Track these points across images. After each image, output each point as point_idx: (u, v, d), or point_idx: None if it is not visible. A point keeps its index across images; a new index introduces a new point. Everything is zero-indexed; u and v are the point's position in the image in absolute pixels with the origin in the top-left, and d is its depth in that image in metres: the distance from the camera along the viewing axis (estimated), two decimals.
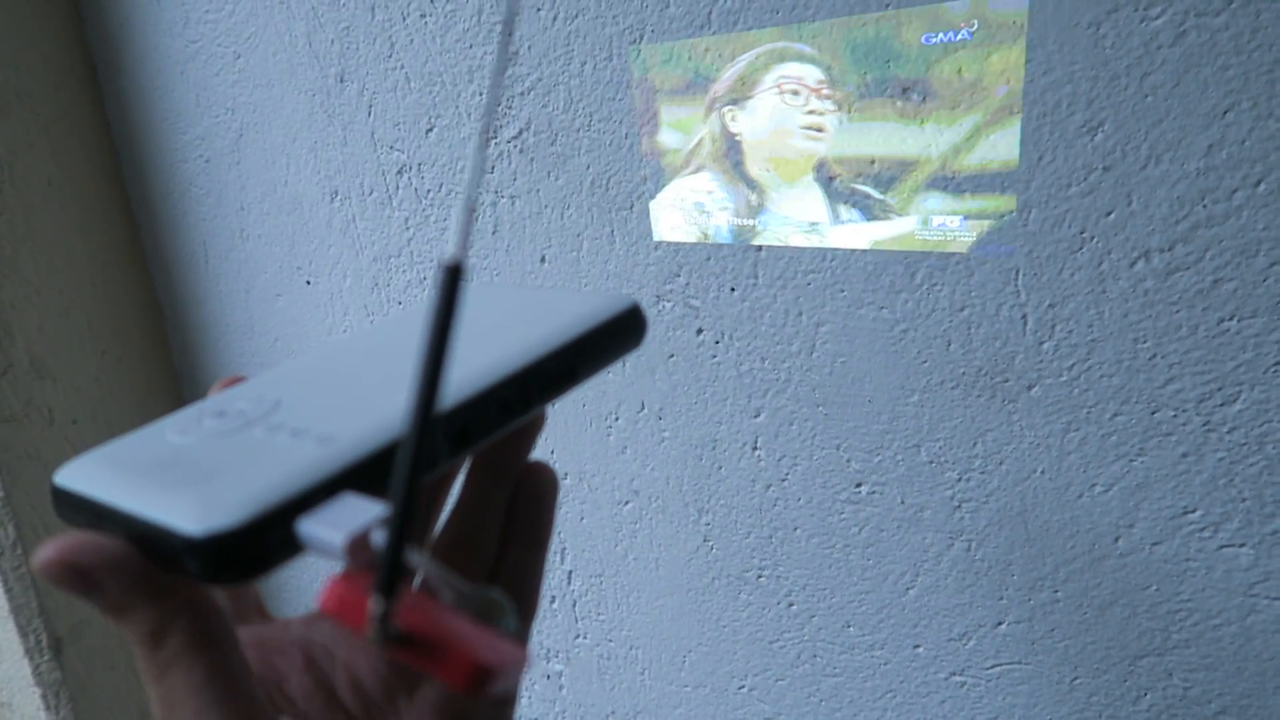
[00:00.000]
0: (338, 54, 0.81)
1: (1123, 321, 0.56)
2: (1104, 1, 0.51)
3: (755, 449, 0.72)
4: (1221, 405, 0.55)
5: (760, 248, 0.66)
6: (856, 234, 0.62)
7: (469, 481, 0.32)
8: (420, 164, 0.80)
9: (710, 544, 0.78)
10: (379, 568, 0.18)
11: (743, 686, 0.81)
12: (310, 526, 0.21)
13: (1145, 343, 0.56)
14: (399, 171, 0.82)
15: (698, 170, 0.67)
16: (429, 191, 0.81)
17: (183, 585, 0.22)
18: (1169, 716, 0.63)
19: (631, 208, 0.71)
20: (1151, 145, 0.53)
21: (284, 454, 0.23)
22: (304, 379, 0.30)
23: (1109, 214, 0.55)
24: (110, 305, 1.02)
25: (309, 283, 0.92)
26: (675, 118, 0.67)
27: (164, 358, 1.09)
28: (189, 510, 0.21)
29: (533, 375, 0.28)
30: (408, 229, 0.84)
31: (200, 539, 0.20)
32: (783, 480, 0.72)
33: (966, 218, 0.58)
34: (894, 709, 0.74)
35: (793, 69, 0.61)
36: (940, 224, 0.59)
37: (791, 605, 0.75)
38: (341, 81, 0.82)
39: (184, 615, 0.22)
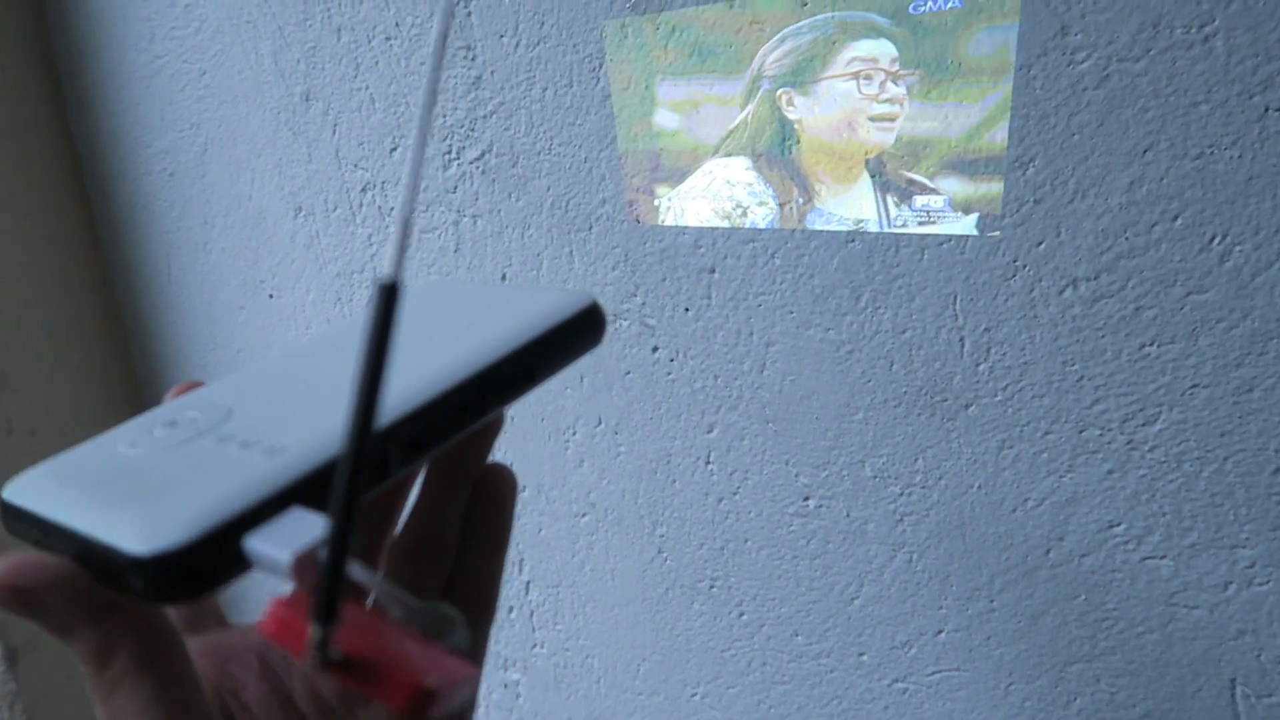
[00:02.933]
0: (303, 73, 0.82)
1: (1052, 345, 0.60)
2: (1033, 45, 0.54)
3: (708, 463, 0.75)
4: (1143, 425, 0.58)
5: (714, 270, 0.69)
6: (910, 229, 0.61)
7: (427, 485, 0.32)
8: (384, 182, 0.82)
9: (664, 555, 0.80)
10: (316, 591, 0.18)
11: (695, 694, 0.83)
12: (257, 544, 0.20)
13: (1073, 366, 0.59)
14: (363, 189, 0.83)
15: (729, 155, 0.65)
16: (392, 209, 0.82)
17: (129, 604, 0.22)
18: None
19: (590, 229, 0.73)
20: (1078, 180, 0.56)
21: (233, 467, 0.22)
22: (257, 386, 0.29)
23: (1040, 244, 0.58)
24: (72, 316, 1.02)
25: (272, 296, 0.93)
26: (673, 98, 0.66)
27: (125, 369, 1.09)
28: (134, 529, 0.20)
29: (489, 378, 0.28)
30: (371, 245, 0.85)
31: (145, 558, 0.19)
32: (734, 494, 0.74)
33: (950, 200, 0.61)
34: (840, 715, 0.76)
35: (866, 48, 0.58)
36: (924, 204, 0.60)
37: (742, 615, 0.78)
38: (307, 100, 0.83)
39: (130, 634, 0.22)
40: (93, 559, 0.21)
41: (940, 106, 0.58)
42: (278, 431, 0.24)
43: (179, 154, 0.94)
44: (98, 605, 0.21)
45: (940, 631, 0.70)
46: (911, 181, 0.60)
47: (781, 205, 0.64)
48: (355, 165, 0.83)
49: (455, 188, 0.78)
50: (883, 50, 0.59)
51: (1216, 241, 0.54)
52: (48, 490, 0.23)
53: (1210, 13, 0.50)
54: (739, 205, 0.66)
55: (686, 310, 0.71)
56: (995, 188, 0.58)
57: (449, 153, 0.77)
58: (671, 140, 0.67)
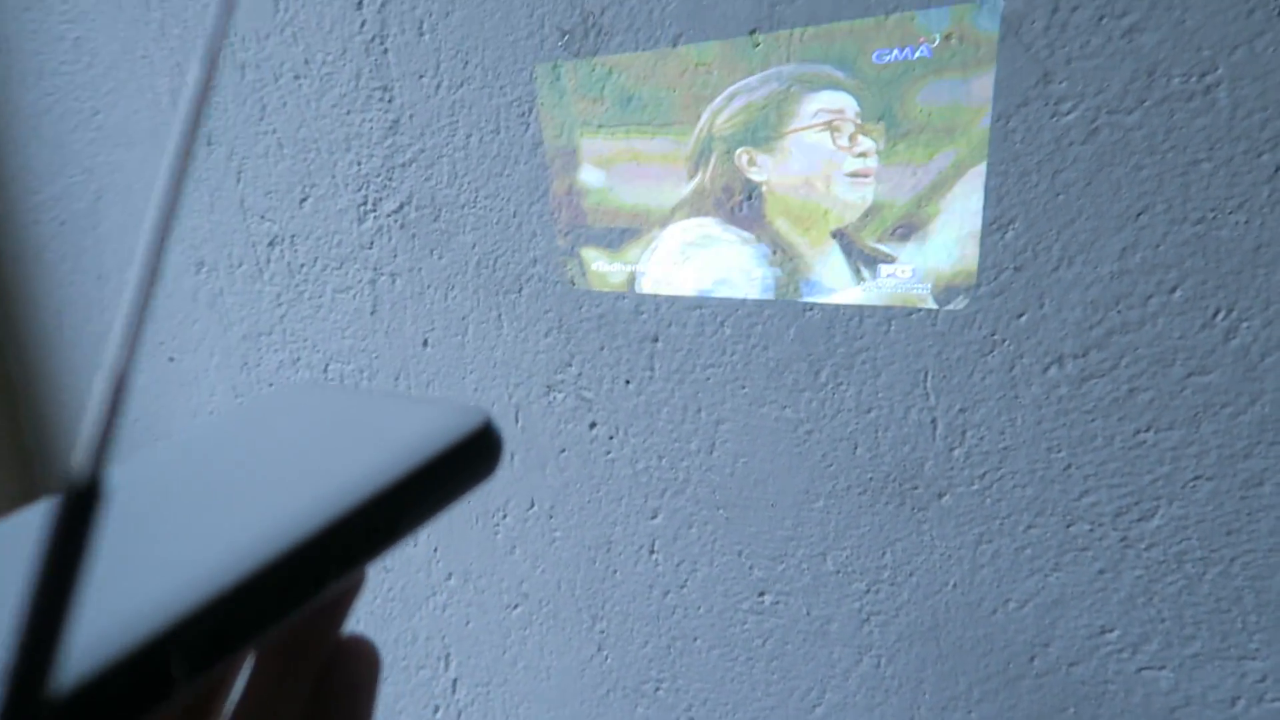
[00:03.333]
0: (205, 114, 0.74)
1: (1036, 429, 0.53)
2: (1013, 94, 0.48)
3: (652, 552, 0.67)
4: (1139, 520, 0.52)
5: (657, 339, 0.61)
6: (874, 293, 0.55)
7: (259, 669, 0.24)
8: (293, 235, 0.74)
9: (605, 653, 0.71)
10: None
11: None
12: None
13: (1059, 452, 0.53)
14: (270, 243, 0.75)
15: (693, 216, 0.58)
16: (303, 266, 0.74)
17: None
18: None
19: (520, 290, 0.65)
20: (1064, 246, 0.50)
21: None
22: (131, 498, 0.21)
23: (1020, 316, 0.52)
24: None
25: (172, 359, 0.84)
26: (599, 155, 0.60)
27: (14, 435, 0.99)
28: None
29: (332, 542, 0.20)
30: (280, 305, 0.76)
31: None
32: (682, 587, 0.66)
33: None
34: None
35: (829, 99, 0.53)
36: (890, 274, 0.53)
37: None
38: (209, 144, 0.75)
39: None
40: None
41: (906, 166, 0.52)
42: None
43: (71, 201, 0.85)
44: None
45: None
46: (875, 249, 0.54)
47: (776, 274, 0.57)
48: (262, 216, 0.74)
49: (372, 243, 0.70)
50: (845, 102, 0.52)
51: (1220, 316, 0.47)
52: None
53: (1212, 60, 0.44)
54: (727, 272, 0.58)
55: (627, 383, 0.64)
56: (971, 259, 0.52)
57: (365, 204, 0.69)
58: (600, 198, 0.60)
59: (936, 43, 0.49)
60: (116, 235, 0.83)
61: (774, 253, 0.56)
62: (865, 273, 0.54)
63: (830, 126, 0.53)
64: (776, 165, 0.55)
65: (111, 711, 0.17)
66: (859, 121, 0.52)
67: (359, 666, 0.25)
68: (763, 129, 0.55)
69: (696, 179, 0.57)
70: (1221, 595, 0.51)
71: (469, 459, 0.23)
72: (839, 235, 0.55)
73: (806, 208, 0.55)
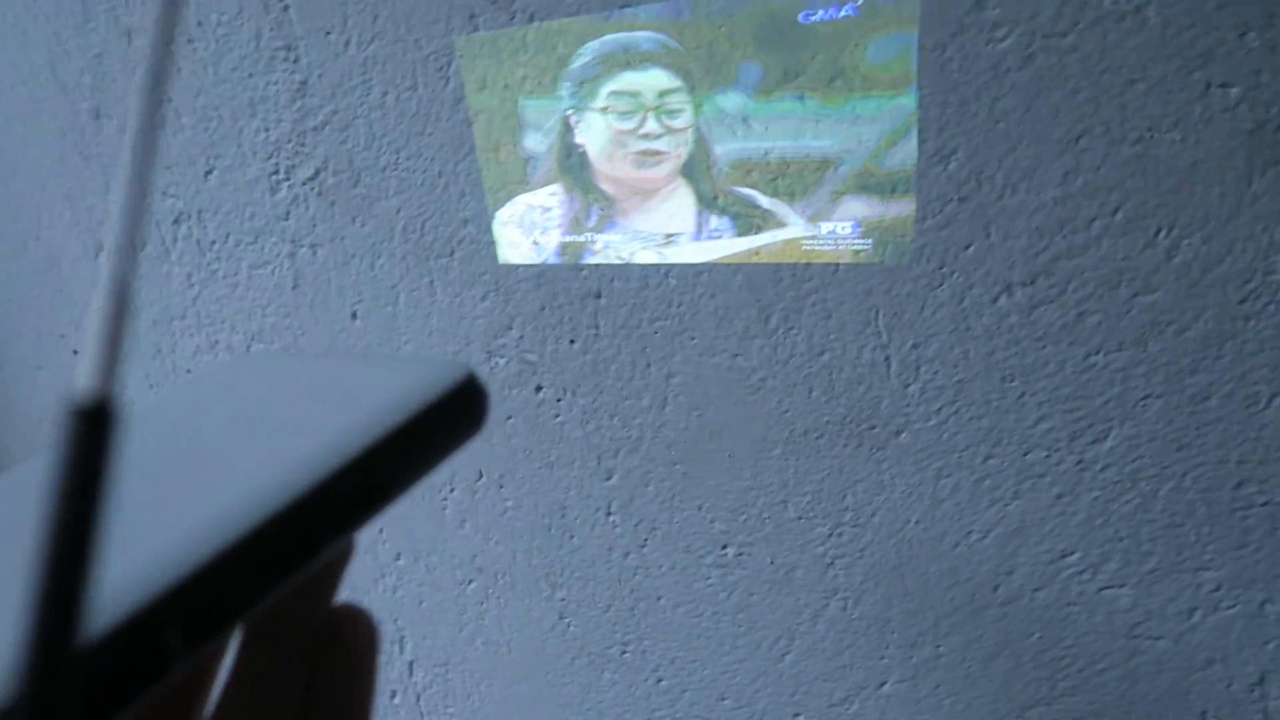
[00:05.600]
0: (90, 86, 0.68)
1: (989, 360, 0.53)
2: (947, 23, 0.47)
3: (609, 514, 0.65)
4: (1093, 443, 0.52)
5: (600, 295, 0.59)
6: (725, 246, 0.55)
7: (246, 649, 0.22)
8: (200, 211, 0.69)
9: (567, 621, 0.70)
10: None
11: None
12: None
13: (1013, 381, 0.53)
14: (175, 220, 0.70)
15: (549, 182, 0.58)
16: (213, 243, 0.69)
17: None
18: None
19: (452, 254, 0.62)
20: (1006, 174, 0.49)
21: None
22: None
23: (968, 247, 0.51)
24: None
25: (76, 352, 0.79)
26: (533, 120, 0.58)
27: None
28: None
29: (329, 498, 0.19)
30: (191, 285, 0.72)
31: None
32: (642, 546, 0.65)
33: (859, 223, 0.53)
34: None
35: (630, 81, 0.54)
36: (830, 231, 0.53)
37: (660, 681, 0.69)
38: (97, 118, 0.69)
39: None
40: None
41: (838, 122, 0.51)
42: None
43: None
44: None
45: (883, 684, 0.62)
46: (818, 205, 0.53)
47: (574, 224, 0.58)
48: (164, 193, 0.69)
49: (288, 213, 0.66)
50: (649, 82, 0.52)
51: (1162, 235, 0.48)
52: None
53: None
54: (538, 230, 0.58)
55: (572, 342, 0.62)
56: (907, 208, 0.51)
57: (276, 173, 0.65)
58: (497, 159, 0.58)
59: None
60: (2, 224, 0.77)
61: (607, 209, 0.55)
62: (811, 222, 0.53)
63: (609, 110, 0.55)
64: (586, 133, 0.56)
65: (105, 690, 0.15)
66: (657, 104, 0.53)
67: (356, 637, 0.23)
68: (580, 97, 0.56)
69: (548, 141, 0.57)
70: (1175, 510, 0.52)
71: (456, 413, 0.22)
72: (693, 180, 0.53)
73: (621, 178, 0.57)
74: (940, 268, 0.52)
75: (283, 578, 0.18)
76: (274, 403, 0.23)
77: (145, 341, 0.75)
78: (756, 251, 0.55)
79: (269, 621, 0.22)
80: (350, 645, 0.23)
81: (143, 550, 0.17)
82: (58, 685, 0.11)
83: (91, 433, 0.11)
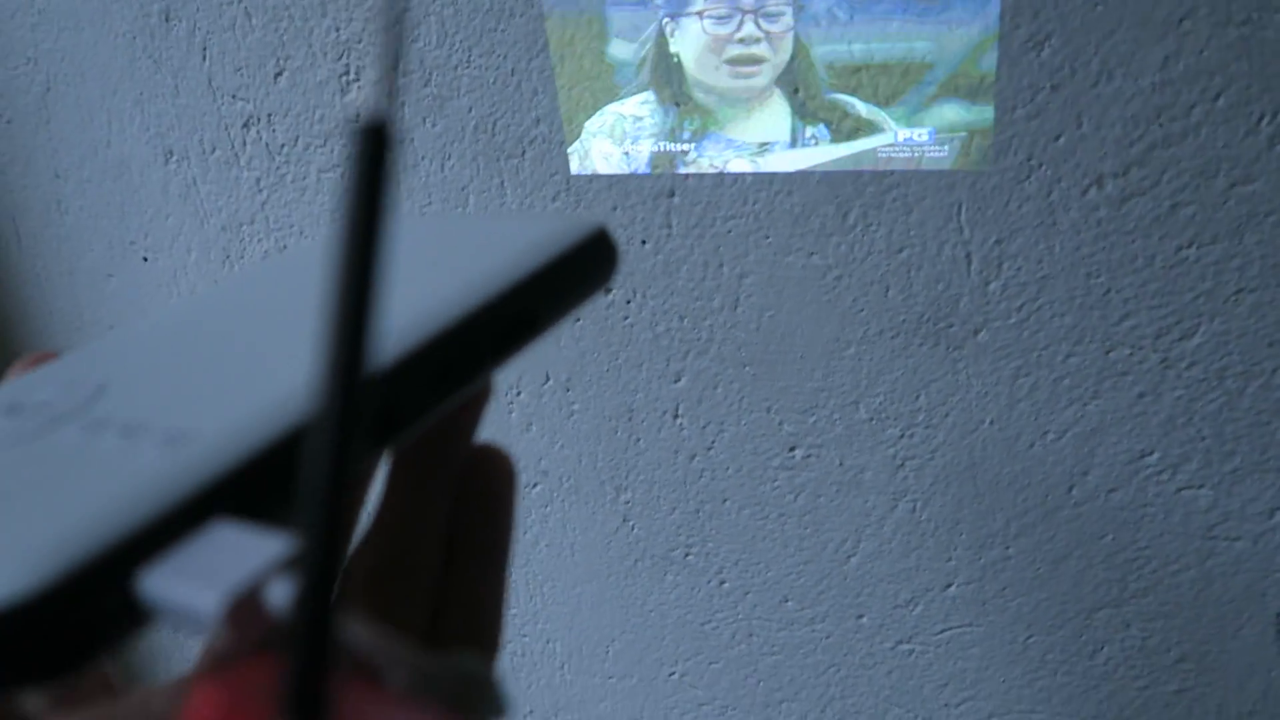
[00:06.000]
0: None
1: (1074, 255, 0.52)
2: None
3: (677, 417, 0.66)
4: (1180, 340, 0.51)
5: (673, 194, 0.59)
6: (820, 154, 0.55)
7: (393, 484, 0.23)
8: (270, 114, 0.69)
9: (631, 523, 0.71)
10: (292, 662, 0.11)
11: (673, 673, 0.75)
12: (161, 582, 0.13)
13: (1099, 277, 0.52)
14: (245, 124, 0.70)
15: (640, 91, 0.57)
16: (283, 146, 0.70)
17: None
18: (1127, 668, 0.60)
19: (523, 154, 0.62)
20: (1103, 60, 0.48)
21: (111, 465, 0.15)
22: (137, 355, 0.21)
23: (1058, 138, 0.50)
24: None
25: (146, 259, 0.80)
26: (622, 27, 0.57)
27: None
28: None
29: (482, 325, 0.20)
30: (260, 191, 0.72)
31: None
32: (708, 449, 0.66)
33: (936, 130, 0.52)
34: (838, 683, 0.69)
35: None
36: (924, 135, 0.52)
37: (723, 583, 0.70)
38: (167, 20, 0.69)
39: None
40: None
41: (937, 24, 0.50)
42: (176, 411, 0.17)
43: (16, 96, 0.79)
44: None
45: (949, 585, 0.63)
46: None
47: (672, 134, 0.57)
48: (233, 96, 0.70)
49: (358, 115, 0.66)
50: None
51: (1265, 122, 0.46)
52: None
53: None
54: (629, 140, 0.57)
55: (643, 243, 0.61)
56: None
57: (347, 74, 0.65)
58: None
59: None
60: (72, 130, 0.77)
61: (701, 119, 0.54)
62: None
63: (704, 15, 0.53)
64: (683, 41, 0.55)
65: (381, 426, 0.17)
66: (755, 7, 0.52)
67: (497, 475, 0.24)
68: (676, 4, 0.54)
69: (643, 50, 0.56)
70: (1262, 408, 0.51)
71: (591, 260, 0.24)
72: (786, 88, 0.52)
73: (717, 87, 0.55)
74: (1028, 159, 0.51)
75: (444, 396, 0.20)
76: (429, 249, 0.24)
77: (214, 246, 0.76)
78: (853, 159, 0.54)
79: (414, 459, 0.23)
80: (491, 485, 0.24)
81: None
82: (353, 407, 0.11)
83: (376, 150, 0.12)
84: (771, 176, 0.56)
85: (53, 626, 0.13)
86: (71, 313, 0.86)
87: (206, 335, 0.21)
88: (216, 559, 0.13)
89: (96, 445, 0.16)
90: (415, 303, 0.19)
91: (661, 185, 0.59)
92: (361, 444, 0.16)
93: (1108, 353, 0.53)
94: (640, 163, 0.58)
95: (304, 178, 0.70)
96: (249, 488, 0.15)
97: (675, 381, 0.65)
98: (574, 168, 0.60)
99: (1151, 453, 0.54)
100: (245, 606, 0.12)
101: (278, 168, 0.71)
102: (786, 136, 0.54)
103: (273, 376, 0.17)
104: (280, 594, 0.13)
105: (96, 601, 0.13)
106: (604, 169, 0.59)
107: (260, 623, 0.13)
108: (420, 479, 0.23)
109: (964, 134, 0.51)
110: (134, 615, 0.13)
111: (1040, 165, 0.51)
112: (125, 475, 0.15)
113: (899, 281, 0.56)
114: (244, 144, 0.71)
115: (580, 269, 0.23)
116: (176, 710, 0.22)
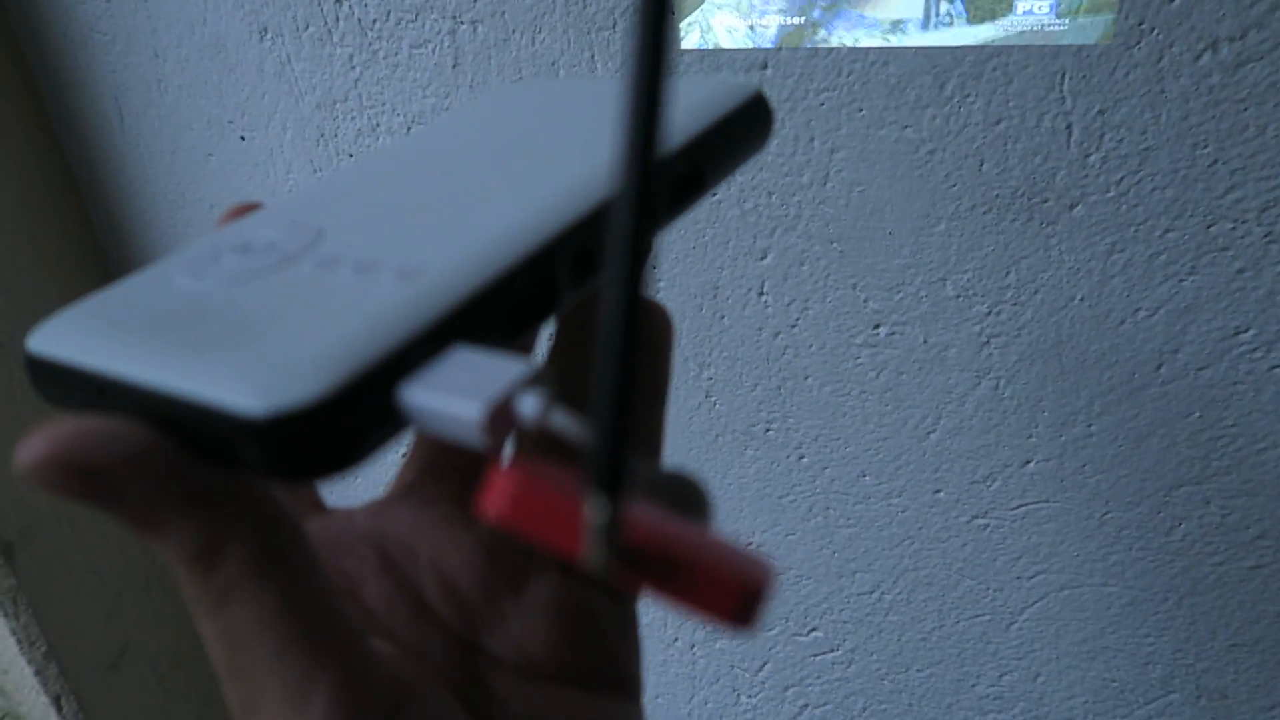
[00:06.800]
0: None
1: (1181, 125, 0.51)
2: None
3: (762, 294, 0.67)
4: None
5: (766, 65, 0.59)
6: (954, 35, 0.53)
7: (563, 333, 0.26)
8: None
9: (713, 399, 0.73)
10: (595, 453, 0.13)
11: (750, 544, 0.78)
12: (422, 394, 0.15)
13: (1205, 148, 0.51)
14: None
15: None
16: (375, 22, 0.70)
17: (237, 484, 0.16)
18: (1204, 544, 0.61)
19: (615, 26, 0.62)
20: None
21: (355, 296, 0.17)
22: (348, 199, 0.22)
23: (1172, 0, 0.48)
24: (14, 178, 0.91)
25: (243, 138, 0.82)
26: None
27: (86, 233, 0.98)
28: (242, 380, 0.14)
29: (658, 183, 0.22)
30: (353, 68, 0.73)
31: (265, 419, 0.14)
32: (792, 326, 0.67)
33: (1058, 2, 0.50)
34: (911, 555, 0.71)
35: None
36: (1027, 10, 0.51)
37: (802, 458, 0.72)
38: None
39: (243, 524, 0.16)
40: (178, 426, 0.15)
41: None
42: (404, 250, 0.19)
43: None
44: (195, 488, 0.15)
45: (1028, 462, 0.64)
46: None
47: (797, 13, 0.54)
48: None
49: None
50: None
51: None
52: (95, 337, 0.17)
53: None
54: (756, 14, 0.55)
55: None
56: None
57: None
58: None
59: None
60: (169, 8, 0.79)
61: None
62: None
63: None
64: None
65: (565, 275, 0.19)
66: None
67: (658, 324, 0.26)
68: None
69: None
70: None
71: (750, 124, 0.25)
72: None
73: None
74: (1139, 24, 0.49)
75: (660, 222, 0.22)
76: (564, 115, 0.26)
77: (309, 125, 0.78)
78: (990, 44, 0.52)
79: (584, 309, 0.26)
80: (654, 329, 0.26)
81: (527, 205, 0.20)
82: (648, 187, 0.13)
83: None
84: (867, 49, 0.55)
85: (334, 428, 0.15)
86: (173, 191, 0.89)
87: (413, 184, 0.23)
88: (469, 376, 0.15)
89: (335, 280, 0.18)
90: (596, 157, 0.21)
91: (754, 57, 0.59)
92: (654, 222, 0.19)
93: (1208, 227, 0.52)
94: (767, 39, 0.58)
95: (395, 53, 0.71)
96: (478, 319, 0.17)
97: (761, 259, 0.65)
98: (693, 41, 0.59)
99: (1246, 330, 0.54)
100: (501, 415, 0.14)
101: (370, 44, 0.72)
102: (920, 14, 0.53)
103: (483, 217, 0.19)
104: (530, 405, 0.14)
105: (368, 408, 0.15)
106: (728, 44, 0.59)
107: (510, 429, 0.14)
108: (587, 329, 0.26)
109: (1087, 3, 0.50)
110: (395, 422, 0.15)
111: (1152, 29, 0.49)
112: (371, 304, 0.17)
113: (994, 155, 0.55)
114: (336, 20, 0.72)
115: (742, 131, 0.24)
116: (376, 525, 0.25)
